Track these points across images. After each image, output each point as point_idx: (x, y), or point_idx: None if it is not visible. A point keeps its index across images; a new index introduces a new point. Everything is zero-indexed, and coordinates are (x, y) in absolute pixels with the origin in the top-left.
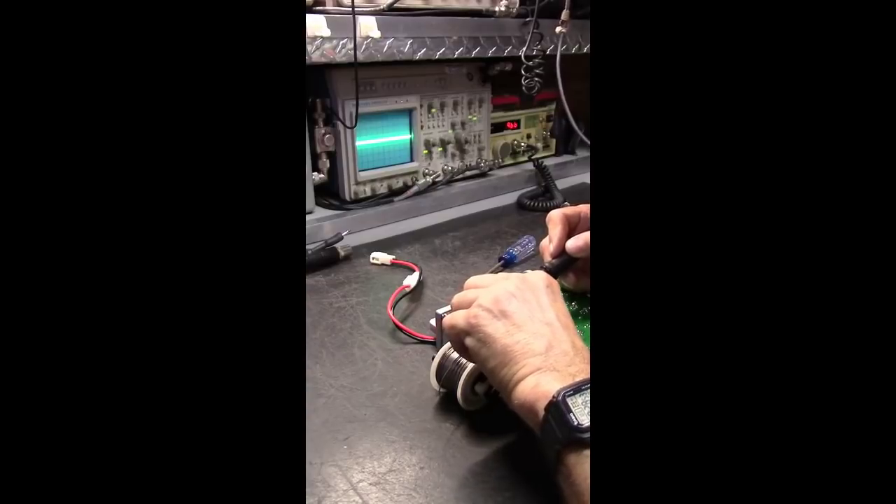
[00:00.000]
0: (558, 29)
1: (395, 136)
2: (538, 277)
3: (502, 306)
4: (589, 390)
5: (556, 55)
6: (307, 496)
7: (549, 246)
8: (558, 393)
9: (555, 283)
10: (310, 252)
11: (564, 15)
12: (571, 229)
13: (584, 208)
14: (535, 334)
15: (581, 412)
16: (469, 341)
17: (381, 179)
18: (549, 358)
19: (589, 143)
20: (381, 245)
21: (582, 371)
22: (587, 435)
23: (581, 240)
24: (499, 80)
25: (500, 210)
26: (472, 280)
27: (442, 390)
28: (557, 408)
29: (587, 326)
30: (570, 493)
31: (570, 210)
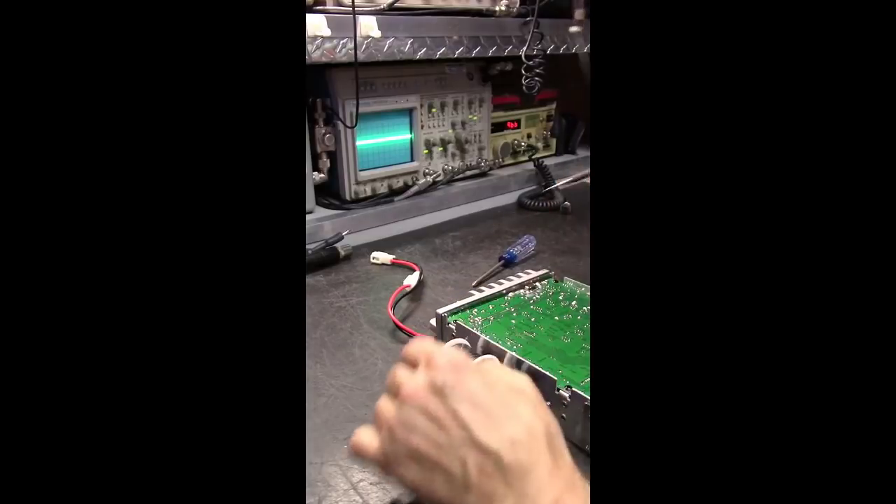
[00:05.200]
0: (573, 29)
1: (396, 136)
2: (417, 382)
3: (408, 444)
4: None
5: (573, 52)
6: (307, 496)
7: None
8: None
9: (450, 366)
10: (310, 252)
11: (579, 14)
12: None
13: None
14: (450, 467)
15: None
16: (397, 484)
17: (382, 179)
18: (475, 492)
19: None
20: (382, 245)
21: (523, 497)
22: None
23: None
24: (499, 80)
25: (500, 210)
26: (388, 380)
27: None
28: None
29: (587, 326)
30: None
31: None
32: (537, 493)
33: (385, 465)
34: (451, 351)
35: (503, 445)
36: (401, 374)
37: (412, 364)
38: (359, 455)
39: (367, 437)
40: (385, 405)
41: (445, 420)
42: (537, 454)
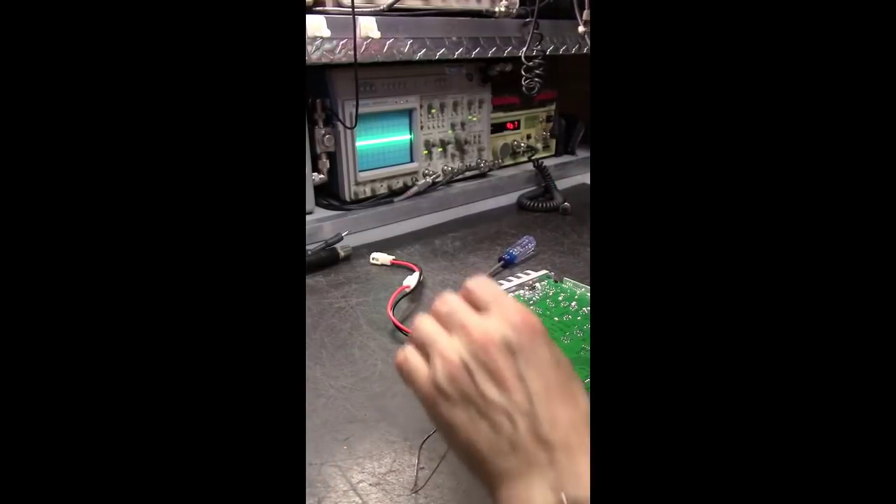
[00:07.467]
0: (581, 29)
1: (395, 137)
2: (491, 330)
3: (462, 388)
4: None
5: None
6: (307, 496)
7: None
8: None
9: (526, 326)
10: (310, 252)
11: (586, 15)
12: None
13: None
14: (500, 424)
15: None
16: (431, 420)
17: (381, 180)
18: (518, 456)
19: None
20: (381, 245)
21: (569, 475)
22: None
23: None
24: (499, 81)
25: (500, 210)
26: (441, 307)
27: None
28: None
29: (587, 326)
30: None
31: None
32: (578, 476)
33: (429, 395)
34: (524, 309)
35: (556, 424)
36: (467, 313)
37: (475, 305)
38: (404, 376)
39: (417, 361)
40: (444, 337)
41: (510, 381)
42: (583, 437)
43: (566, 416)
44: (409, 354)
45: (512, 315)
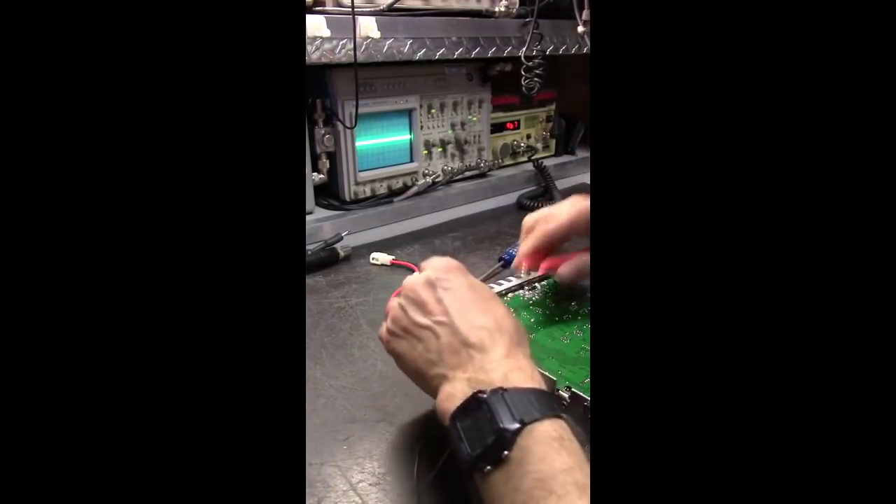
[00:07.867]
0: (580, 29)
1: (395, 137)
2: (416, 277)
3: (400, 323)
4: (481, 404)
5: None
6: (307, 496)
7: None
8: (452, 418)
9: (445, 266)
10: (310, 252)
11: (586, 15)
12: (549, 242)
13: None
14: (428, 340)
15: (472, 436)
16: (393, 358)
17: (381, 180)
18: (445, 362)
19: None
20: (381, 245)
21: (479, 369)
22: (480, 462)
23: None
24: (499, 81)
25: (499, 210)
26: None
27: None
28: (453, 433)
29: (587, 326)
30: None
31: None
32: (490, 369)
33: (385, 340)
34: (447, 258)
35: (471, 330)
36: (409, 277)
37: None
38: (381, 340)
39: (383, 326)
40: (393, 299)
41: (431, 305)
42: (497, 341)
43: (481, 323)
44: (382, 326)
45: (435, 263)
